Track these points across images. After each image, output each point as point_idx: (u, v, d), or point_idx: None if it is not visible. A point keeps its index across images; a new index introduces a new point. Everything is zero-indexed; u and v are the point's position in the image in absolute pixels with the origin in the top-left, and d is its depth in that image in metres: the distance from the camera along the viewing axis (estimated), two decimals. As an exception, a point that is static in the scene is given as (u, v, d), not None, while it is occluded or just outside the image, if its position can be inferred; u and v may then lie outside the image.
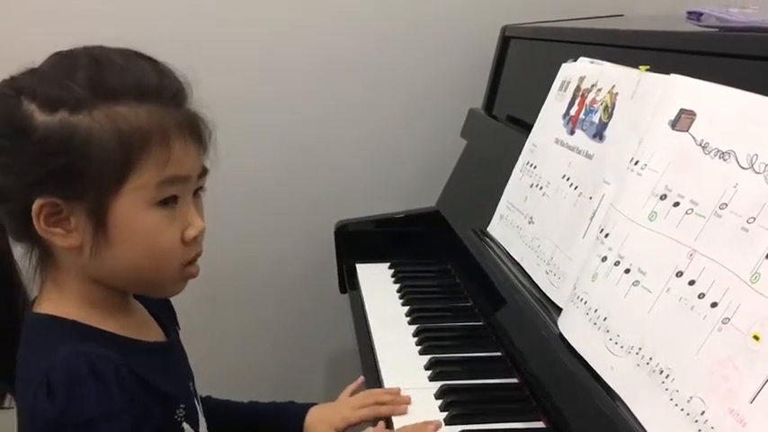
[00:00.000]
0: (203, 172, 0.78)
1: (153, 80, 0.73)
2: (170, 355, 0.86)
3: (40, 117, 0.70)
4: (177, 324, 0.94)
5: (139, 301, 0.86)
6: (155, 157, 0.72)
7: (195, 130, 0.76)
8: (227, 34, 1.55)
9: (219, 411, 1.01)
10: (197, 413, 0.85)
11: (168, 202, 0.74)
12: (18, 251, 0.79)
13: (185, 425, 0.80)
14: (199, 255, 0.79)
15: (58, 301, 0.76)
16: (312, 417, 1.02)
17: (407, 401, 0.97)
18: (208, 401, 1.01)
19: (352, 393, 1.06)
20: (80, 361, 0.69)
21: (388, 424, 0.95)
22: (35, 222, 0.71)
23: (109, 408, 0.68)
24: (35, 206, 0.71)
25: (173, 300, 0.94)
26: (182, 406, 0.79)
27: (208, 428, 0.90)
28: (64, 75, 0.71)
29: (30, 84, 0.72)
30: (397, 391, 0.99)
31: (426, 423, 0.89)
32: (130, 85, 0.72)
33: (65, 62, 0.73)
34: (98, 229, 0.72)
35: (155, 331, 0.86)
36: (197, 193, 0.79)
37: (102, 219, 0.72)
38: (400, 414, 0.95)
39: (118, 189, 0.71)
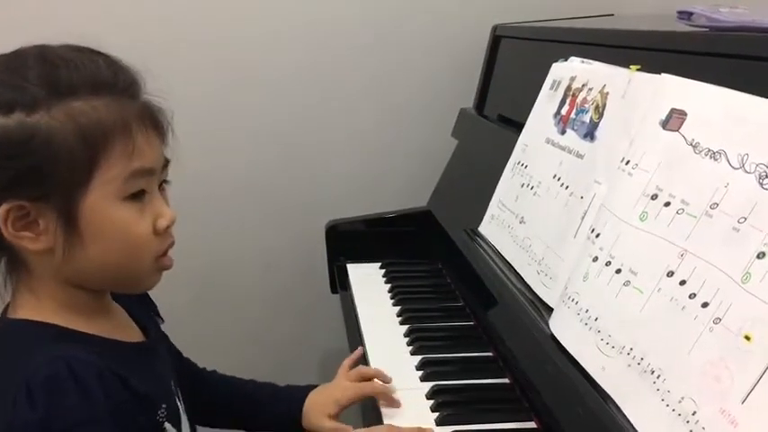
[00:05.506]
0: (165, 163, 0.78)
1: (106, 73, 0.72)
2: (151, 355, 0.85)
3: None
4: (159, 316, 0.92)
5: (116, 301, 0.84)
6: (119, 150, 0.71)
7: (154, 121, 0.75)
8: (220, 33, 1.55)
9: (223, 389, 1.03)
10: (179, 412, 0.85)
11: (136, 196, 0.74)
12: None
13: (167, 425, 0.79)
14: (171, 245, 0.79)
15: (34, 307, 0.75)
16: (309, 402, 1.02)
17: (389, 380, 1.00)
18: (213, 375, 1.04)
19: (351, 366, 1.05)
20: (61, 366, 0.67)
21: (378, 417, 0.95)
22: (3, 228, 0.70)
23: (91, 413, 0.67)
24: (1, 211, 0.69)
25: (161, 298, 0.93)
26: (163, 406, 0.79)
27: (211, 402, 0.89)
28: (15, 75, 0.69)
29: None
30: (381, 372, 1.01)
31: (421, 429, 0.88)
32: (85, 80, 0.70)
33: (13, 63, 0.71)
34: (69, 229, 0.71)
35: (134, 332, 0.85)
36: (161, 186, 0.79)
37: (73, 217, 0.70)
38: (389, 403, 0.96)
39: (85, 186, 0.70)
